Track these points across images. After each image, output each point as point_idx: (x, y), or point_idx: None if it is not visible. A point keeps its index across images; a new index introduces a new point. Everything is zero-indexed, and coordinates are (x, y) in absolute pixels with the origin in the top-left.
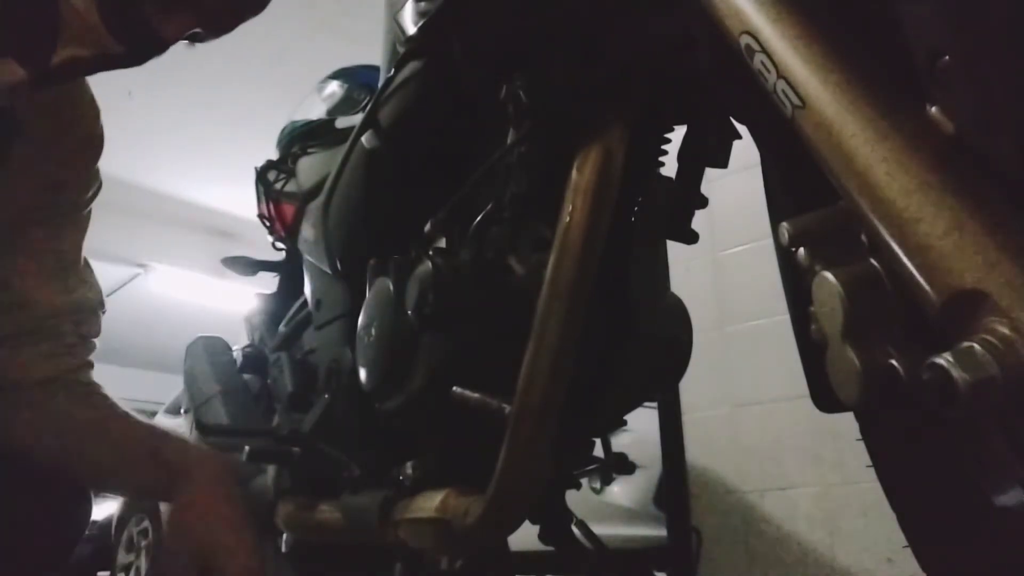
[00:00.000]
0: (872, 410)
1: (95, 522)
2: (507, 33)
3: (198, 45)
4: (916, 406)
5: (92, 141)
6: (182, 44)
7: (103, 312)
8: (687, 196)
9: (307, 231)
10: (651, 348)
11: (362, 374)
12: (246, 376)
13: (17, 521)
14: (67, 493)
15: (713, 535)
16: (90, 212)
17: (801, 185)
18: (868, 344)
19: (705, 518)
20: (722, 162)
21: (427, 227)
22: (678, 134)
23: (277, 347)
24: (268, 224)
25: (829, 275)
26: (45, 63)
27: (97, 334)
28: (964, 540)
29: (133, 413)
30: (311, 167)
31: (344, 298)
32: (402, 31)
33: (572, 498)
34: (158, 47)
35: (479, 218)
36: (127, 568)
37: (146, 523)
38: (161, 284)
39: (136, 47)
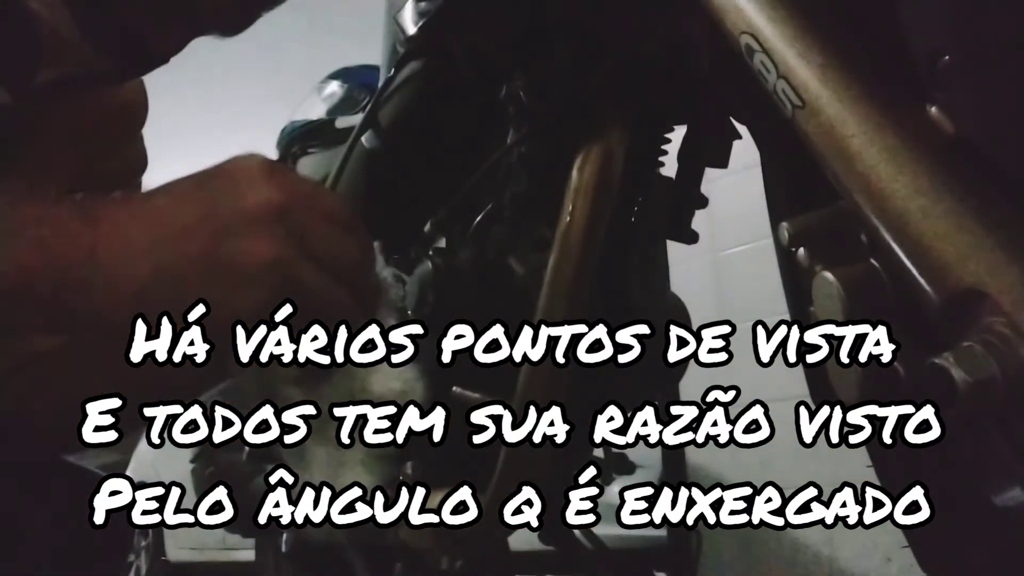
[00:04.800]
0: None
1: None
2: (507, 33)
3: (201, 44)
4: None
5: (127, 109)
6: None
7: None
8: (687, 196)
9: None
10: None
11: None
12: None
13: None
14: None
15: (713, 535)
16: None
17: (801, 185)
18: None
19: None
20: (722, 162)
21: (427, 227)
22: (678, 134)
23: None
24: None
25: (829, 275)
26: (27, 84)
27: None
28: (964, 540)
29: None
30: (311, 167)
31: None
32: (402, 31)
33: None
34: (155, 61)
35: (479, 218)
36: (127, 568)
37: None
38: None
39: (128, 63)
